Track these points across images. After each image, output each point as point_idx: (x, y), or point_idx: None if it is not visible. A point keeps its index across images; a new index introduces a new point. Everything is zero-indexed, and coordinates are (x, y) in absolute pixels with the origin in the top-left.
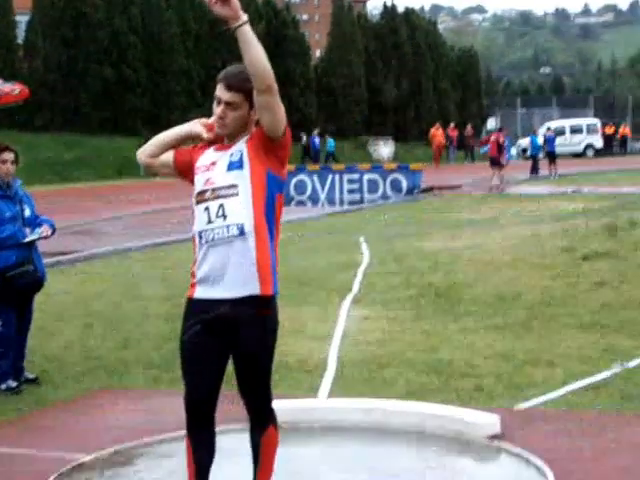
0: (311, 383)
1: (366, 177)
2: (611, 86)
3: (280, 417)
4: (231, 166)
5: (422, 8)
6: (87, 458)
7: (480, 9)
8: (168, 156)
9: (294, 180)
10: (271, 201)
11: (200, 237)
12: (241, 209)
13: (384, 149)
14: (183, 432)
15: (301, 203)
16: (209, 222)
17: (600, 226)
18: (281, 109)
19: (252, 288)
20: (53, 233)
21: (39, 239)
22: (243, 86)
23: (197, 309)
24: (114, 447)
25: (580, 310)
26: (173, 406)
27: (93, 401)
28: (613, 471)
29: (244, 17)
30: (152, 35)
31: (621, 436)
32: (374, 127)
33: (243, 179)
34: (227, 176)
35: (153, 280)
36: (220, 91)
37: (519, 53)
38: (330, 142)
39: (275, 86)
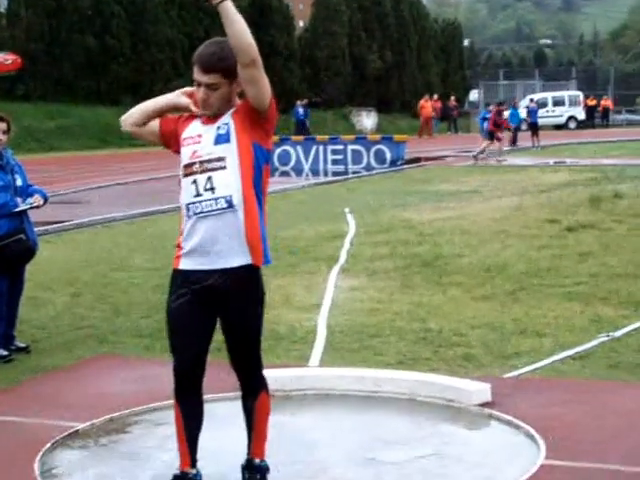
0: (301, 352)
1: (350, 148)
2: (593, 59)
3: (272, 385)
4: (218, 139)
5: None
6: (82, 426)
7: None
8: (154, 124)
9: (278, 150)
10: (258, 172)
11: (188, 209)
12: (229, 182)
13: (367, 120)
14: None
15: (285, 174)
16: (197, 195)
17: (584, 198)
18: (266, 82)
19: (243, 259)
20: (45, 203)
21: (31, 208)
22: (219, 66)
23: (185, 280)
24: (109, 415)
25: (566, 281)
26: (166, 374)
27: (86, 369)
28: (604, 437)
29: None
30: (136, 4)
31: (609, 403)
32: (357, 98)
33: (231, 152)
34: (215, 149)
35: (140, 250)
36: (198, 74)
37: (502, 25)
38: (301, 111)
39: (259, 59)
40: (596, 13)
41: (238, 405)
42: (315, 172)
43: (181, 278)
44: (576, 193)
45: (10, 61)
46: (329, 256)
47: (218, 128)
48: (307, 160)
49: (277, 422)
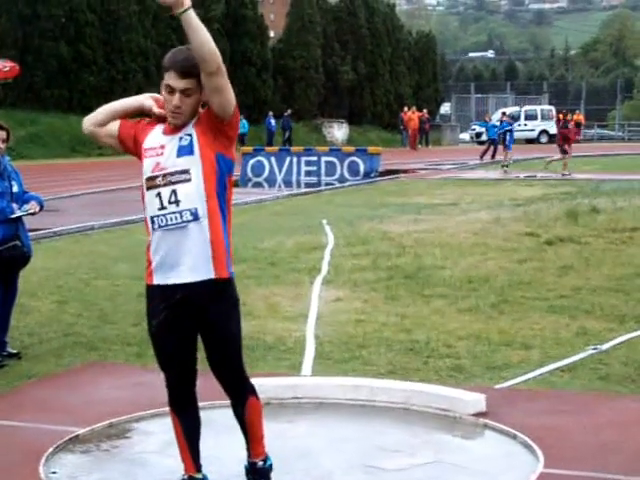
0: (292, 362)
1: (324, 159)
2: (564, 73)
3: (267, 394)
4: (181, 151)
5: None
6: (82, 431)
7: None
8: (113, 126)
9: (252, 161)
10: (222, 184)
11: (153, 222)
12: (194, 194)
13: (338, 132)
14: None
15: (258, 185)
16: (162, 208)
17: (561, 212)
18: (230, 89)
19: (207, 272)
20: (41, 209)
21: (27, 215)
22: (195, 71)
23: (158, 295)
24: (108, 420)
25: (549, 294)
26: (160, 381)
27: (80, 376)
28: (599, 448)
29: (187, 2)
30: (110, 13)
31: (603, 414)
32: (329, 109)
33: (194, 164)
34: (178, 161)
35: (120, 258)
36: (173, 80)
37: (473, 38)
38: (243, 124)
39: (223, 67)
40: (568, 27)
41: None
42: (288, 183)
43: (155, 294)
44: (553, 207)
45: (8, 68)
46: (310, 267)
47: (180, 139)
48: (280, 171)
49: (274, 430)
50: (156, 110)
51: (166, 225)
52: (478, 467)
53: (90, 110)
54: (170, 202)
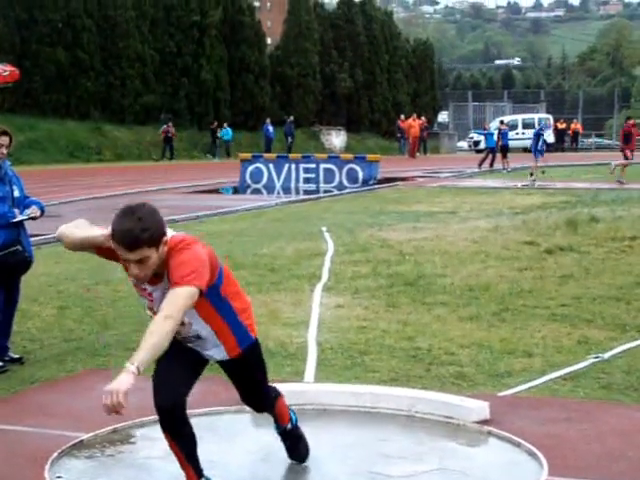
0: (294, 368)
1: (322, 167)
2: (561, 82)
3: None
4: None
5: None
6: (86, 436)
7: (432, 0)
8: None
9: (250, 168)
10: (219, 303)
11: None
12: (193, 327)
13: (336, 139)
14: None
15: (257, 191)
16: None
17: (560, 220)
18: (189, 302)
19: (221, 355)
20: (42, 214)
21: (28, 219)
22: (141, 240)
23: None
24: (112, 426)
25: (550, 302)
26: None
27: (84, 381)
28: (603, 456)
29: (132, 368)
30: (107, 18)
31: (606, 422)
32: (327, 117)
33: (189, 315)
34: None
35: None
36: (122, 253)
37: (470, 46)
38: (227, 131)
39: (179, 316)
40: (565, 36)
41: (237, 418)
42: (287, 190)
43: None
44: (551, 216)
45: (7, 72)
46: (311, 274)
47: (164, 290)
48: (279, 178)
49: (277, 437)
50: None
51: (185, 339)
52: (482, 474)
53: (88, 116)
54: (182, 326)
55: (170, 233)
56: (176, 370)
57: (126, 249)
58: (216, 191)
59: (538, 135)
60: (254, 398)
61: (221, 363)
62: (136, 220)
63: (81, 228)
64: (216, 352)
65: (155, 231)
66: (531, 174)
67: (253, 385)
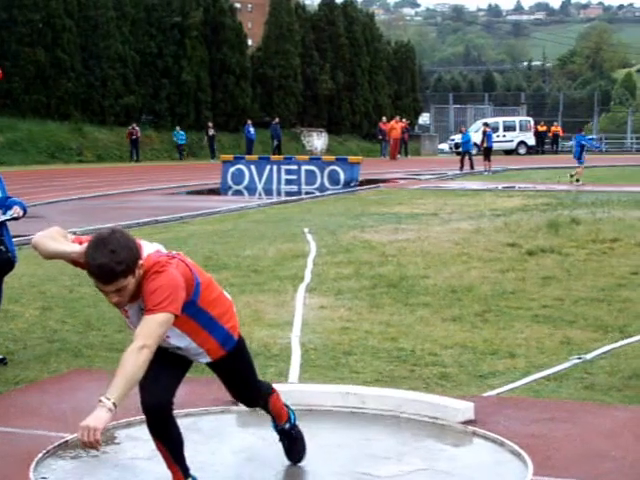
0: (278, 369)
1: (304, 168)
2: (542, 84)
3: None
4: None
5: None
6: (71, 437)
7: (413, 3)
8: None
9: (232, 169)
10: (196, 315)
11: None
12: (173, 342)
13: (317, 141)
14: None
15: (238, 192)
16: None
17: (542, 222)
18: (165, 327)
19: (207, 360)
20: (24, 214)
21: (11, 220)
22: (117, 272)
23: None
24: None
25: (532, 304)
26: None
27: (67, 382)
28: (587, 456)
29: (108, 404)
30: (88, 19)
31: (590, 423)
32: (308, 118)
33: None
34: None
35: None
36: (100, 286)
37: (451, 49)
38: (180, 134)
39: (154, 343)
40: (545, 39)
41: (221, 418)
42: (268, 192)
43: None
44: (533, 218)
45: None
46: (293, 275)
47: (141, 309)
48: (260, 179)
49: (263, 437)
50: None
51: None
52: (468, 474)
53: (68, 116)
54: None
55: (146, 251)
56: (163, 370)
57: (102, 283)
58: (199, 192)
59: (581, 144)
60: (245, 393)
61: (208, 364)
62: (109, 253)
63: (56, 240)
64: (201, 357)
65: (130, 261)
66: (577, 180)
67: (242, 380)
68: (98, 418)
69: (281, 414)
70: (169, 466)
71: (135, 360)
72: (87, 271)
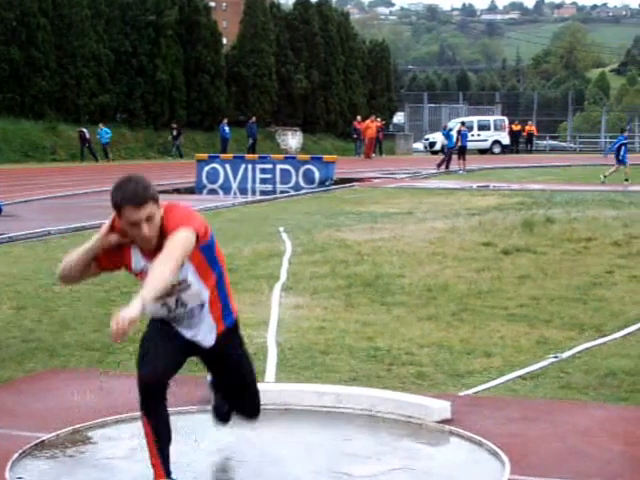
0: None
1: (279, 167)
2: (516, 84)
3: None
4: None
5: None
6: (47, 436)
7: (387, 2)
8: (89, 268)
9: (206, 168)
10: (214, 264)
11: (161, 320)
12: (196, 294)
13: (292, 140)
14: (137, 413)
15: (213, 192)
16: (170, 312)
17: (517, 222)
18: (187, 244)
19: (214, 334)
20: (0, 213)
21: None
22: (148, 195)
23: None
24: (73, 426)
25: (508, 303)
26: (123, 387)
27: (42, 382)
28: (564, 454)
29: (142, 300)
30: (62, 17)
31: (566, 422)
32: (283, 117)
33: (189, 272)
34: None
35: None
36: (133, 213)
37: (425, 48)
38: (105, 131)
39: (179, 255)
40: (519, 38)
41: (199, 418)
42: (243, 191)
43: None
44: (508, 217)
45: None
46: (269, 274)
47: None
48: (235, 178)
49: (240, 437)
50: (123, 239)
51: (177, 320)
52: (445, 474)
53: (43, 115)
54: (178, 306)
55: None
56: (167, 351)
57: (136, 207)
58: (176, 191)
59: (621, 144)
60: (252, 389)
61: (207, 357)
62: (135, 182)
63: (70, 253)
64: (205, 330)
65: (154, 188)
66: (626, 180)
67: (245, 373)
68: (132, 308)
69: None
70: (152, 459)
71: (164, 267)
72: (121, 209)
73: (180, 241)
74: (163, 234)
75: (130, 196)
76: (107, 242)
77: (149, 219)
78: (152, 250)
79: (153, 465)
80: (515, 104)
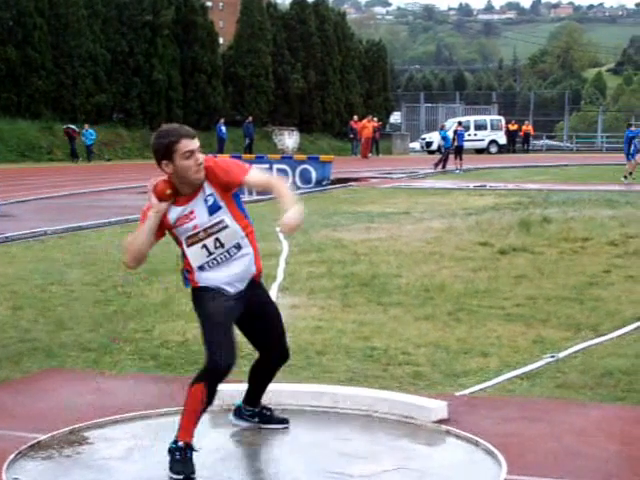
0: None
1: (276, 167)
2: (512, 84)
3: (229, 400)
4: (212, 210)
5: None
6: (43, 437)
7: (384, 2)
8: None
9: None
10: (245, 212)
11: (201, 268)
12: (232, 234)
13: (289, 140)
14: (135, 413)
15: None
16: (210, 254)
17: (513, 221)
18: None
19: (251, 273)
20: None
21: None
22: (192, 130)
23: (215, 291)
24: (70, 427)
25: (505, 303)
26: (119, 388)
27: (39, 382)
28: (561, 454)
29: (301, 207)
30: (59, 17)
31: (562, 421)
32: (280, 117)
33: (226, 214)
34: (212, 218)
35: (75, 265)
36: (190, 144)
37: (422, 48)
38: (90, 133)
39: (274, 175)
40: (516, 38)
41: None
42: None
43: (211, 290)
44: (504, 217)
45: None
46: (266, 274)
47: (205, 201)
48: None
49: (236, 436)
50: (168, 191)
51: (217, 264)
52: (442, 474)
53: (39, 115)
54: (216, 247)
55: None
56: (231, 333)
57: (192, 138)
58: None
59: (630, 140)
60: (283, 332)
61: (250, 308)
62: (179, 124)
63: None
64: (243, 270)
65: None
66: (630, 173)
67: (280, 320)
68: (296, 208)
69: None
70: (186, 422)
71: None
72: (176, 143)
73: (260, 170)
74: (209, 180)
75: (185, 131)
76: (162, 210)
77: (199, 149)
78: (189, 194)
79: (186, 429)
80: (512, 104)
